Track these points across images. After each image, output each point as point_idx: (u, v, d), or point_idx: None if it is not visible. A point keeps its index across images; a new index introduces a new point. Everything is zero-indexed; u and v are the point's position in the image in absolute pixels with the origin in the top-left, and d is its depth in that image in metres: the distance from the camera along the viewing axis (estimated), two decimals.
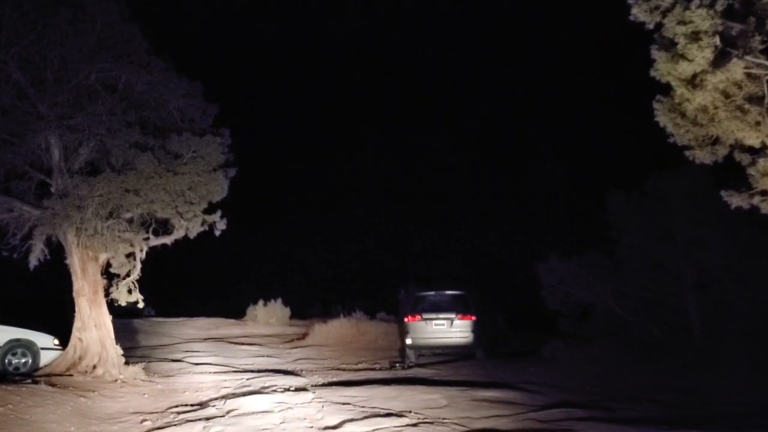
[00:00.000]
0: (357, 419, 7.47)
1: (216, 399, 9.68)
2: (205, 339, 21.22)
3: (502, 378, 11.49)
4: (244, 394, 9.72)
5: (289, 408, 8.48)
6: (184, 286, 29.90)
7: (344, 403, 8.74)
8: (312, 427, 7.30)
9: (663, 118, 6.76)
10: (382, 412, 7.93)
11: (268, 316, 27.52)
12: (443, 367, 14.23)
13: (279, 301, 28.00)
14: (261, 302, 28.03)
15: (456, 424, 7.18)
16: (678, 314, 12.88)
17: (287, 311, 27.92)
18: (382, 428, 6.98)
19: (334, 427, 7.17)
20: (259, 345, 19.98)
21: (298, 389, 10.22)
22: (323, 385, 11.02)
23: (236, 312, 28.29)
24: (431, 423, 7.23)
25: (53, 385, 9.61)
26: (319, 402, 8.92)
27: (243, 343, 20.18)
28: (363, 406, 8.43)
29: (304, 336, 22.31)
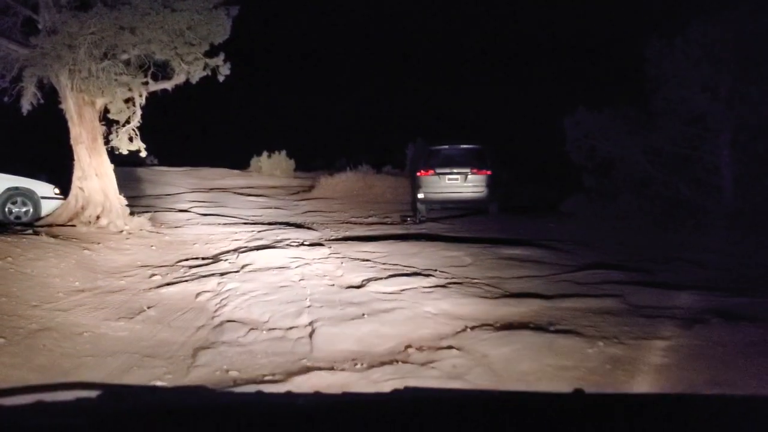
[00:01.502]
0: (381, 278, 7.00)
1: (228, 252, 9.27)
2: (211, 189, 20.87)
3: (523, 234, 11.06)
4: (258, 248, 9.28)
5: (307, 264, 8.04)
6: (186, 135, 29.10)
7: (363, 260, 8.29)
8: (334, 285, 6.84)
9: None
10: (407, 270, 7.47)
11: (273, 167, 27.09)
12: (456, 222, 13.86)
13: (284, 152, 27.43)
14: (265, 153, 27.48)
15: (488, 285, 6.71)
16: (710, 172, 12.24)
17: (292, 163, 27.44)
18: (409, 288, 6.51)
19: (358, 286, 6.70)
20: (266, 197, 19.64)
21: (313, 244, 9.78)
22: (337, 239, 10.60)
23: (240, 163, 27.80)
24: (461, 284, 6.76)
25: (55, 236, 9.12)
26: (337, 258, 8.47)
27: (249, 195, 19.85)
28: (384, 263, 7.98)
29: (310, 188, 21.97)
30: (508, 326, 4.97)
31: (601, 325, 5.00)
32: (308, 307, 5.89)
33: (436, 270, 7.54)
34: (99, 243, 9.39)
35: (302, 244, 9.72)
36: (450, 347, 4.50)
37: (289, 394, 1.97)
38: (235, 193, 20.13)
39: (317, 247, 9.41)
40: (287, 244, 9.72)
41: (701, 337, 4.47)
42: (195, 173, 24.72)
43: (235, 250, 9.36)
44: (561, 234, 11.23)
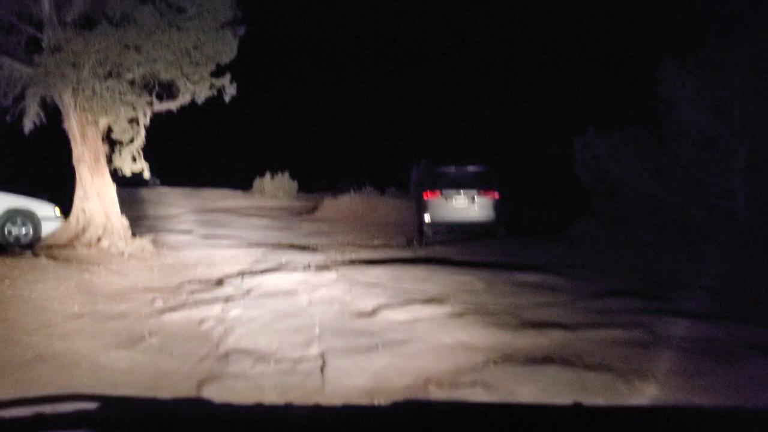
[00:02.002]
0: (393, 305, 6.72)
1: (232, 276, 8.99)
2: (213, 210, 20.66)
3: (534, 259, 10.80)
4: (262, 272, 9.02)
5: (314, 288, 7.76)
6: (189, 156, 28.90)
7: (373, 285, 8.01)
8: (343, 312, 6.57)
9: None
10: (419, 296, 7.19)
11: (276, 188, 26.88)
12: (464, 245, 13.60)
13: (286, 173, 27.24)
14: (268, 174, 27.29)
15: (505, 313, 6.43)
16: (722, 197, 12.00)
17: (295, 184, 27.24)
18: (423, 316, 6.23)
19: (370, 314, 6.42)
20: (269, 218, 19.42)
21: (319, 267, 9.51)
22: (344, 262, 10.32)
23: (242, 183, 27.59)
24: (477, 312, 6.47)
25: (55, 258, 8.89)
26: (346, 282, 8.20)
27: (252, 216, 19.63)
28: (394, 289, 7.70)
29: (314, 210, 21.75)
30: (533, 360, 4.69)
31: (631, 358, 4.72)
32: (318, 336, 5.61)
33: (449, 296, 7.26)
34: (99, 265, 9.14)
35: (308, 268, 9.45)
36: (473, 384, 4.21)
37: (288, 406, 1.98)
38: (237, 214, 19.90)
39: (324, 271, 9.15)
40: (293, 268, 9.46)
41: (744, 376, 4.19)
42: (197, 194, 24.52)
43: (239, 274, 9.09)
44: (572, 259, 10.97)
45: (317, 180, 29.67)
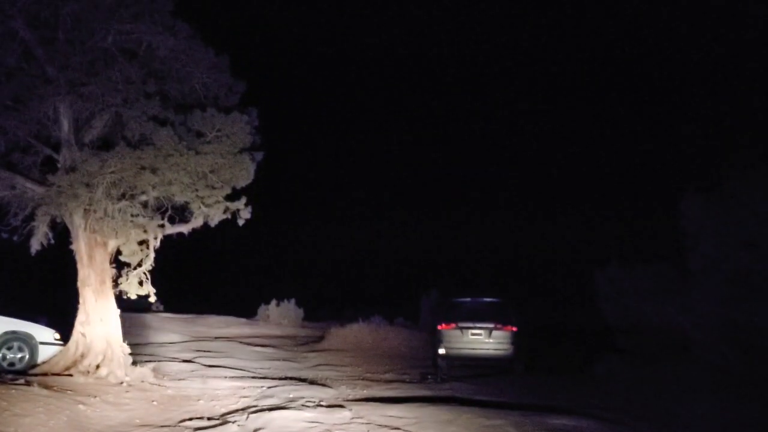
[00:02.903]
0: None
1: (236, 412, 8.31)
2: (216, 338, 19.97)
3: (560, 400, 10.07)
4: (270, 409, 8.32)
5: (327, 430, 7.07)
6: (194, 280, 28.53)
7: (393, 428, 7.32)
8: None
9: None
10: None
11: (281, 316, 26.28)
12: (483, 381, 12.83)
13: (292, 301, 26.74)
14: (274, 302, 26.77)
15: None
16: (758, 336, 11.36)
17: (300, 312, 26.66)
18: None
19: None
20: (274, 347, 18.69)
21: (330, 405, 8.80)
22: (357, 399, 9.60)
23: (246, 310, 27.02)
24: None
25: (49, 387, 8.24)
26: (361, 423, 7.51)
27: (256, 345, 18.89)
28: None
29: (320, 339, 21.03)
30: None
31: None
32: None
33: None
34: (96, 396, 8.48)
35: (319, 405, 8.76)
36: None
37: None
38: (241, 342, 19.17)
39: (336, 409, 8.45)
40: (302, 405, 8.76)
41: None
42: (201, 321, 23.87)
43: (243, 410, 8.42)
44: (601, 399, 10.22)
45: (323, 307, 29.19)
